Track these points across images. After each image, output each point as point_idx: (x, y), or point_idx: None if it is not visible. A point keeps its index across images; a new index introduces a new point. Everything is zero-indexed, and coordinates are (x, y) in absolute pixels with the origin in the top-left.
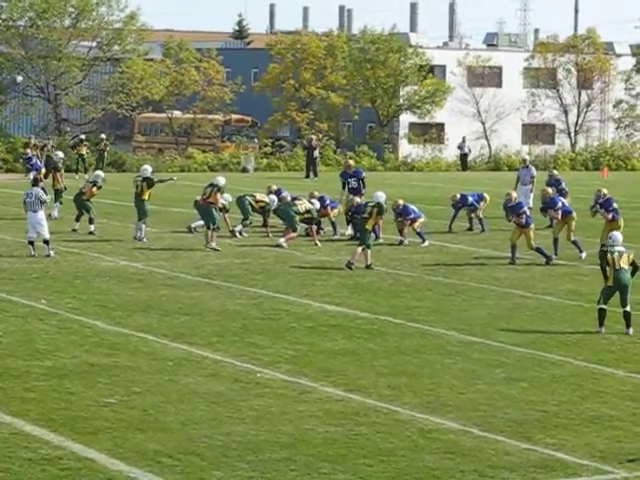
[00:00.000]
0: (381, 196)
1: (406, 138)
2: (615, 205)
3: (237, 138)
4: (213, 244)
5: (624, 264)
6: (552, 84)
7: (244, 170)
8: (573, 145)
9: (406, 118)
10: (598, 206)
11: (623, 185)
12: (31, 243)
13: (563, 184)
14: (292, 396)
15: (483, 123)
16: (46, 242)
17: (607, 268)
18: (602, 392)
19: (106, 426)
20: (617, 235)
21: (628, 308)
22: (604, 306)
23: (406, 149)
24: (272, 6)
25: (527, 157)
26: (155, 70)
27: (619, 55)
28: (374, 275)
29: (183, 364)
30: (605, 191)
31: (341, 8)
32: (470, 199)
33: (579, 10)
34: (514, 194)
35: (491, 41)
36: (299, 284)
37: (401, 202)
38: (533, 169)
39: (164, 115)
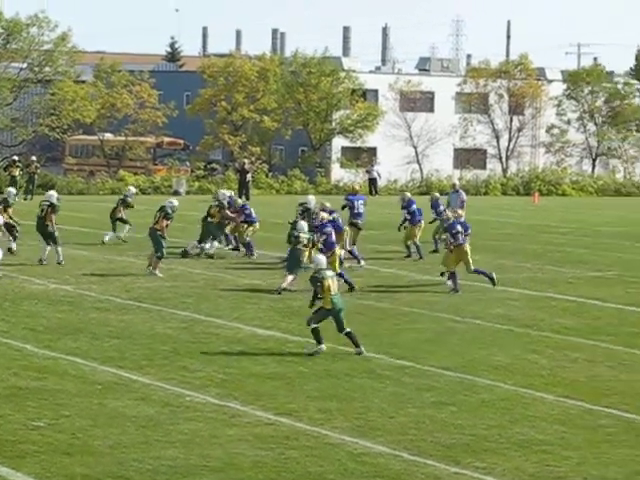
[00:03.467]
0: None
1: (338, 162)
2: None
3: (169, 161)
4: (156, 271)
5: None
6: (484, 109)
7: (176, 193)
8: (504, 170)
9: (338, 142)
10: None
11: (554, 210)
12: None
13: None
14: (222, 420)
15: (415, 148)
16: None
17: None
18: (531, 416)
19: (34, 449)
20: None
21: (349, 329)
22: (317, 325)
23: (338, 173)
24: (205, 29)
25: (457, 182)
26: (86, 93)
27: (550, 81)
28: (305, 299)
29: (112, 387)
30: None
31: (274, 31)
32: (414, 206)
33: (511, 36)
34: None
35: (423, 66)
36: (230, 307)
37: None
38: (463, 193)
39: (95, 137)
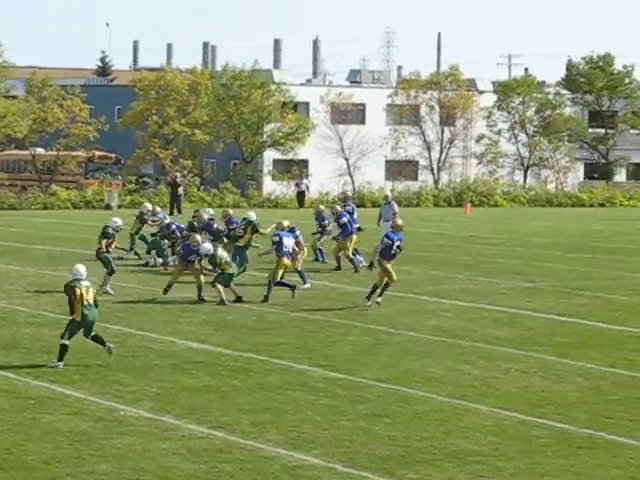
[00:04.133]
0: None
1: (270, 175)
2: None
3: (100, 175)
4: (107, 287)
5: (90, 299)
6: (415, 121)
7: (107, 207)
8: (436, 181)
9: (270, 155)
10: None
11: (486, 221)
12: None
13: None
14: (155, 434)
15: (347, 160)
16: None
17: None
18: (465, 427)
19: None
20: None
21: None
22: (67, 342)
23: (270, 186)
24: (136, 42)
25: (389, 193)
26: (18, 108)
27: (481, 92)
28: (238, 312)
29: (46, 402)
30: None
31: (205, 44)
32: (344, 219)
33: (442, 47)
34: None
35: (354, 78)
36: (163, 321)
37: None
38: (395, 205)
39: (27, 152)
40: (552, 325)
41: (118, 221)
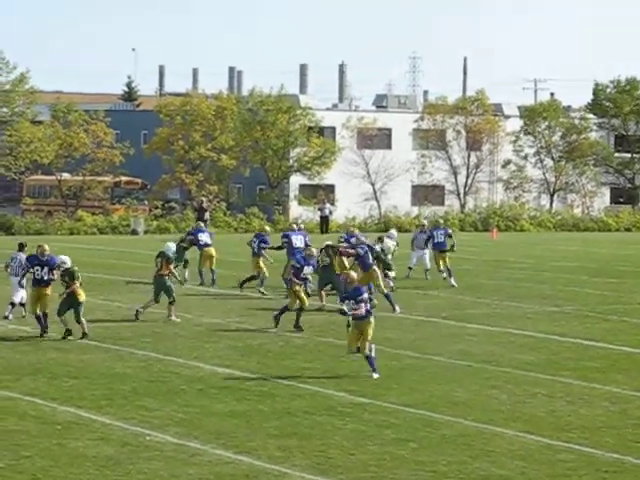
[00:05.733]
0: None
1: (296, 199)
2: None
3: (127, 200)
4: (173, 317)
5: None
6: (441, 145)
7: (134, 232)
8: (462, 206)
9: (296, 180)
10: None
11: (512, 246)
12: (12, 304)
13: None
14: (182, 459)
15: (373, 184)
16: (23, 305)
17: None
18: (491, 452)
19: None
20: None
21: None
22: None
23: (296, 211)
24: (162, 67)
25: (425, 222)
26: (44, 134)
27: (507, 116)
28: (265, 337)
29: (72, 427)
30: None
31: (231, 69)
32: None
33: (467, 72)
34: (354, 274)
35: (380, 103)
36: (189, 346)
37: None
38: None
39: (53, 177)
40: (579, 349)
41: (172, 246)
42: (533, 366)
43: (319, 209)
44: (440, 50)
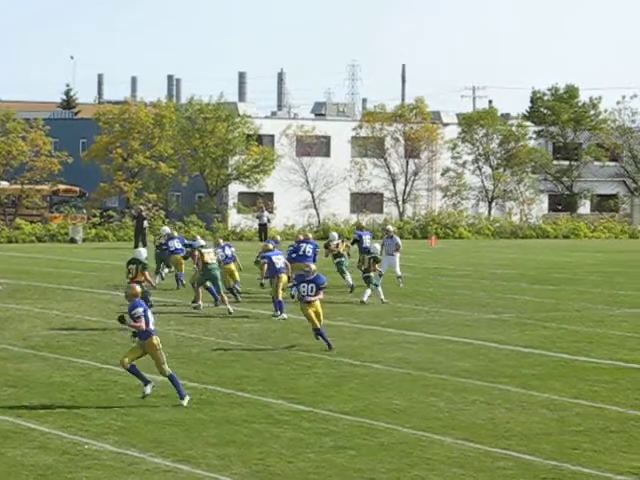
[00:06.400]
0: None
1: (235, 207)
2: None
3: (65, 208)
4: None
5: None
6: (380, 153)
7: (72, 241)
8: (401, 213)
9: (235, 188)
10: None
11: (451, 253)
12: None
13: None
14: (120, 467)
15: (312, 192)
16: None
17: None
18: (430, 459)
19: None
20: None
21: None
22: None
23: (235, 219)
24: (100, 76)
25: (390, 227)
26: None
27: (446, 124)
28: (203, 345)
29: (10, 436)
30: None
31: (169, 77)
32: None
33: (406, 80)
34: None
35: (319, 110)
36: None
37: None
38: (397, 238)
39: None
40: (517, 357)
41: (144, 253)
42: (471, 373)
43: (257, 217)
44: (379, 58)
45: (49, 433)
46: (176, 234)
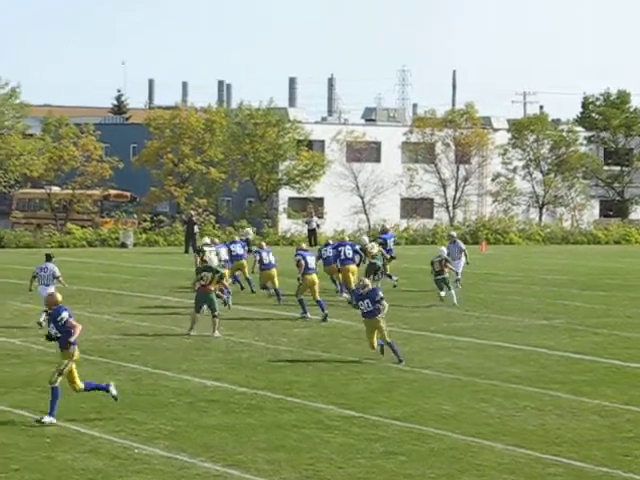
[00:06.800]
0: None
1: (285, 213)
2: None
3: (116, 213)
4: (216, 332)
5: None
6: (430, 158)
7: (123, 245)
8: (451, 219)
9: (285, 193)
10: None
11: (501, 259)
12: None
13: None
14: (170, 472)
15: (362, 198)
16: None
17: None
18: (480, 465)
19: None
20: None
21: None
22: None
23: (285, 224)
24: (151, 81)
25: (454, 233)
26: (34, 147)
27: (496, 129)
28: (253, 350)
29: (61, 441)
30: None
31: (220, 83)
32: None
33: (457, 85)
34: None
35: (369, 116)
36: (178, 359)
37: None
38: (461, 243)
39: (43, 191)
40: (568, 363)
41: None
42: (522, 379)
43: (306, 222)
44: (429, 63)
45: (99, 437)
46: (237, 238)
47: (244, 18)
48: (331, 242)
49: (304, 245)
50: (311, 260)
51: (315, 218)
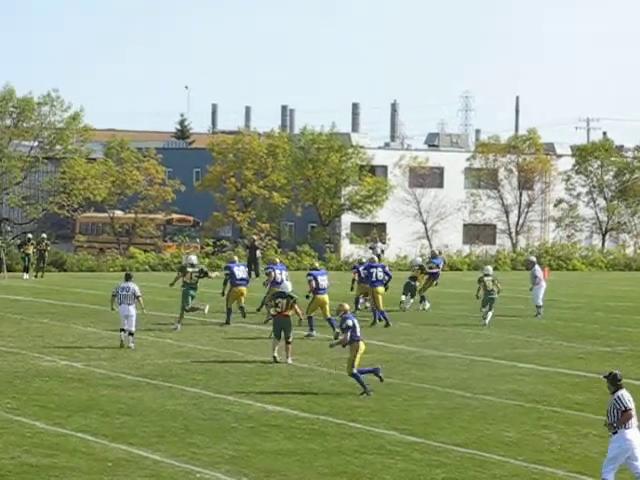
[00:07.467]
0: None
1: (348, 238)
2: None
3: (179, 237)
4: (289, 359)
5: None
6: (493, 184)
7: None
8: (514, 245)
9: (348, 218)
10: None
11: (564, 285)
12: (123, 330)
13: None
14: None
15: (424, 223)
16: (131, 334)
17: None
18: None
19: None
20: None
21: None
22: None
23: (348, 249)
24: (214, 106)
25: (532, 258)
26: (97, 171)
27: (560, 155)
28: (315, 375)
29: (123, 464)
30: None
31: (283, 108)
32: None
33: (520, 111)
34: (346, 306)
35: (432, 141)
36: (240, 384)
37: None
38: (536, 269)
39: (105, 215)
40: (631, 390)
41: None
42: (584, 406)
43: (370, 247)
44: (492, 89)
45: (161, 462)
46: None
47: (307, 44)
48: (364, 261)
49: (317, 264)
50: (322, 280)
51: (379, 244)
